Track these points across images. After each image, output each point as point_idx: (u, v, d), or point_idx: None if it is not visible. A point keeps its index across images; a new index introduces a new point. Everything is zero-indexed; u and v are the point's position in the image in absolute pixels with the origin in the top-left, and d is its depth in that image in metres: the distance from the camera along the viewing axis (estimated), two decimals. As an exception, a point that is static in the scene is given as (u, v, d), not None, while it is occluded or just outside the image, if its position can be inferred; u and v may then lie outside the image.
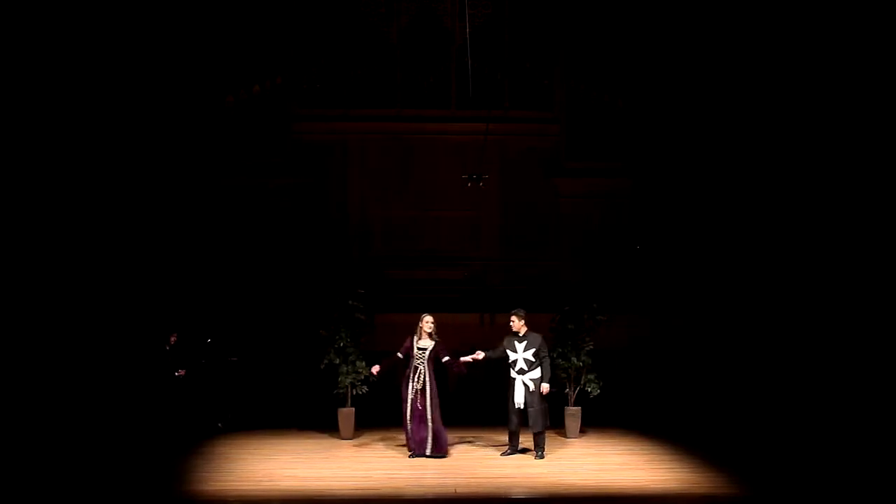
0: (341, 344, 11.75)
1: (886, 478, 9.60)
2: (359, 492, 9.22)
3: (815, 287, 13.28)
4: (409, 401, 10.67)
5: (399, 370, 10.99)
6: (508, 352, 10.78)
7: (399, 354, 10.82)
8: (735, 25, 14.27)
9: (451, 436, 11.02)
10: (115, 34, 13.71)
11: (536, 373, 10.69)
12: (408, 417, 10.69)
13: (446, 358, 10.80)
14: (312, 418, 12.70)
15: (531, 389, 10.64)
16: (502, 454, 10.85)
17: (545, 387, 10.69)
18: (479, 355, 10.86)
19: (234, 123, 14.72)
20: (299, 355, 13.20)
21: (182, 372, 12.34)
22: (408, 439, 10.80)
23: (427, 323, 10.82)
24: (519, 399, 10.66)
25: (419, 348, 10.77)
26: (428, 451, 10.68)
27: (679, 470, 10.15)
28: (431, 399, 10.69)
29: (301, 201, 14.74)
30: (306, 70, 14.82)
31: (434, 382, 10.75)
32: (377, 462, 10.58)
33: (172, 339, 12.42)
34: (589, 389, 12.01)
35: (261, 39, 14.63)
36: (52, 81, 13.09)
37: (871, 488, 9.28)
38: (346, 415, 11.92)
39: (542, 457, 10.63)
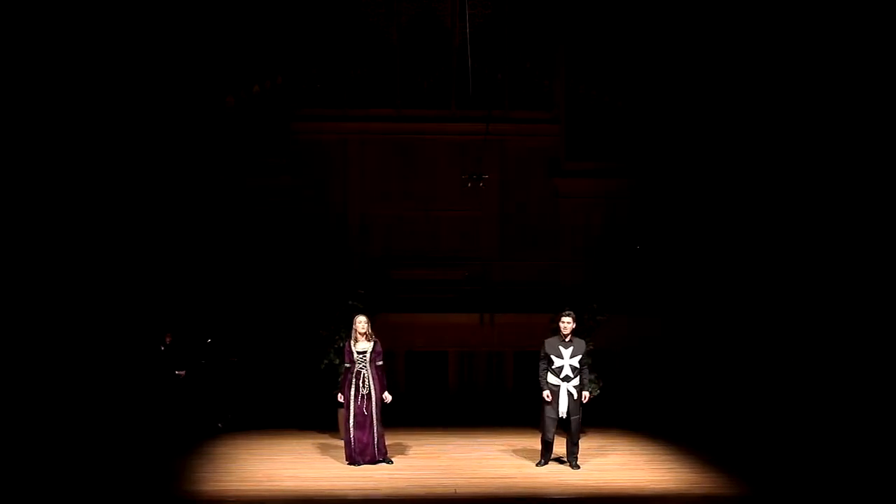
0: (341, 344, 11.71)
1: (886, 478, 9.61)
2: (359, 492, 9.23)
3: (815, 287, 13.28)
4: (353, 406, 10.32)
5: (343, 377, 10.68)
6: (553, 357, 10.16)
7: (347, 364, 10.52)
8: (735, 26, 14.26)
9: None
10: (116, 35, 13.69)
11: (577, 380, 10.26)
12: (350, 424, 10.31)
13: (380, 363, 10.48)
14: (312, 418, 12.70)
15: (574, 398, 10.20)
16: (538, 465, 10.37)
17: (586, 394, 10.45)
18: (548, 396, 10.18)
19: (234, 123, 14.71)
20: (299, 355, 13.20)
21: (182, 372, 12.34)
22: (347, 446, 10.39)
23: (360, 324, 10.41)
24: (563, 409, 10.12)
25: (359, 352, 10.41)
26: (369, 458, 10.31)
27: (679, 470, 10.16)
28: (376, 403, 10.38)
29: (301, 201, 14.71)
30: (306, 70, 14.79)
31: (377, 385, 10.43)
32: (377, 462, 10.58)
33: (167, 338, 12.42)
34: (589, 390, 12.00)
35: (261, 39, 14.59)
36: (52, 81, 13.08)
37: (872, 488, 9.28)
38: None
39: (578, 467, 10.24)
